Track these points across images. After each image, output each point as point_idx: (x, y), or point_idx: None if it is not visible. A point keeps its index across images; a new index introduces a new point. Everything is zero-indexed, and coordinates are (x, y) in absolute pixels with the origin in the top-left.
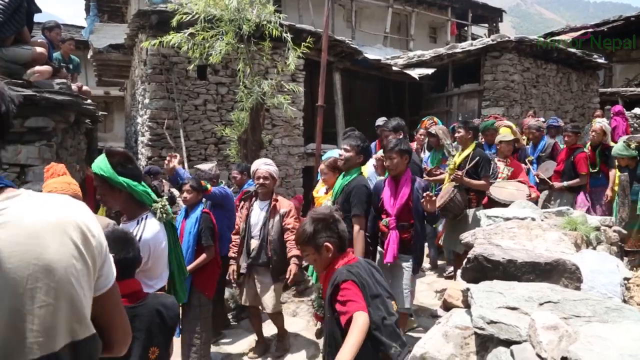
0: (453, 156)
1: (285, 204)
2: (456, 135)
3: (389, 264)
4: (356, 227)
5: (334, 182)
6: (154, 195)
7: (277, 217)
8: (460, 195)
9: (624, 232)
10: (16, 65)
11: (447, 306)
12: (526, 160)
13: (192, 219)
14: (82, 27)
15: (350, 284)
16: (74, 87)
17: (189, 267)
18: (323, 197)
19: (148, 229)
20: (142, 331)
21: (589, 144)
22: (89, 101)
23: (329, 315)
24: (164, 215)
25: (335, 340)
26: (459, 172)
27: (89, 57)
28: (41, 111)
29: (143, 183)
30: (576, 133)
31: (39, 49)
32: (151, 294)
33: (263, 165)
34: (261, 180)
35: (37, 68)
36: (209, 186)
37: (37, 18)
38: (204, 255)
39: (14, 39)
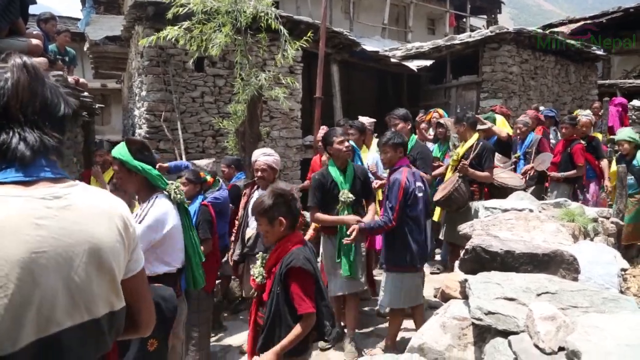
0: (456, 147)
1: None
2: (456, 130)
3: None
4: (375, 209)
5: None
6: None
7: None
8: (465, 187)
9: (622, 223)
10: None
11: (445, 297)
12: (513, 157)
13: (192, 210)
14: (78, 19)
15: (307, 276)
16: (70, 79)
17: None
18: None
19: (157, 206)
20: None
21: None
22: (85, 94)
23: (277, 290)
24: (178, 195)
25: (280, 314)
26: (465, 162)
27: (85, 49)
28: None
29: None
30: (573, 125)
31: (34, 41)
32: (150, 285)
33: (262, 157)
34: (259, 173)
35: (33, 60)
36: (208, 178)
37: (32, 10)
38: (201, 248)
39: (9, 30)
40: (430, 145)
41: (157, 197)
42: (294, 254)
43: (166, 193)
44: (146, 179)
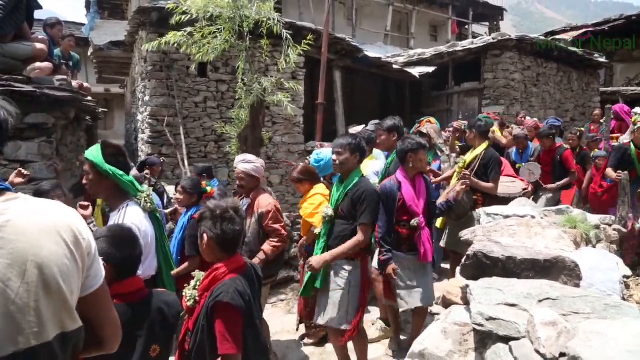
0: (447, 155)
1: (264, 204)
2: (466, 136)
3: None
4: (360, 236)
5: (309, 190)
6: (140, 187)
7: (254, 218)
8: (467, 196)
9: (624, 230)
10: (16, 62)
11: (446, 303)
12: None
13: (180, 223)
14: (83, 24)
15: (235, 312)
16: (74, 84)
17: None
18: (310, 208)
19: (129, 215)
20: (144, 329)
21: (632, 144)
22: (89, 98)
23: (203, 323)
24: (148, 204)
25: (203, 347)
26: (467, 172)
27: (89, 54)
28: (41, 107)
29: (131, 176)
30: (553, 137)
31: (39, 46)
32: (153, 291)
33: (240, 164)
34: (238, 182)
35: (38, 65)
36: (209, 188)
37: (37, 15)
38: (185, 264)
39: (14, 35)
40: None
41: (127, 205)
42: (225, 286)
43: (137, 201)
44: (117, 185)
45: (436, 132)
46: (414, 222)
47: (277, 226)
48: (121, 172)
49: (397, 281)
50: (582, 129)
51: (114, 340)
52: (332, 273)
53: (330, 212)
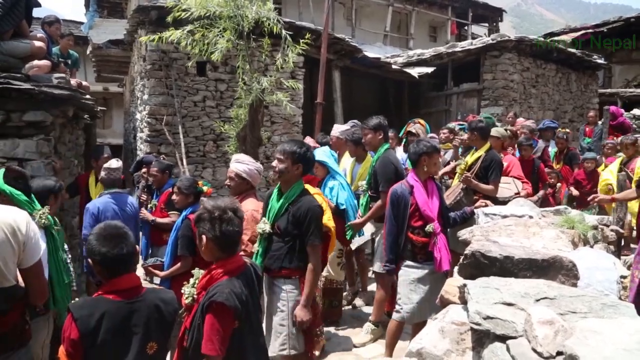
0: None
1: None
2: (466, 137)
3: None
4: (313, 261)
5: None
6: (37, 206)
7: None
8: (467, 198)
9: (622, 231)
10: (14, 59)
11: (444, 302)
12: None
13: (176, 224)
14: (82, 23)
15: (227, 313)
16: (72, 82)
17: (162, 274)
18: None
19: None
20: (140, 326)
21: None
22: (87, 97)
23: (199, 321)
24: (43, 220)
25: (198, 348)
26: (468, 174)
27: (88, 52)
28: (39, 105)
29: (34, 198)
30: (530, 145)
31: (38, 44)
32: (149, 288)
33: (233, 163)
34: (227, 181)
35: (36, 62)
36: (205, 188)
37: (36, 13)
38: (177, 265)
39: (13, 32)
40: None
41: None
42: (220, 286)
43: (33, 217)
44: (16, 204)
45: (423, 132)
46: (429, 227)
47: (244, 238)
48: (18, 192)
49: (403, 294)
50: (567, 130)
51: (37, 300)
52: (272, 296)
53: (267, 228)
